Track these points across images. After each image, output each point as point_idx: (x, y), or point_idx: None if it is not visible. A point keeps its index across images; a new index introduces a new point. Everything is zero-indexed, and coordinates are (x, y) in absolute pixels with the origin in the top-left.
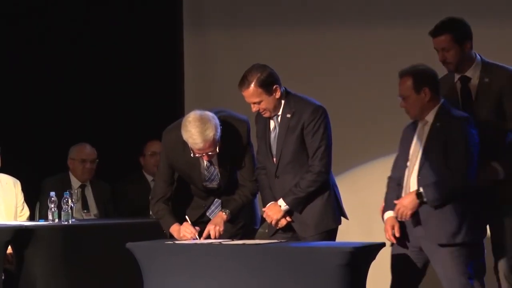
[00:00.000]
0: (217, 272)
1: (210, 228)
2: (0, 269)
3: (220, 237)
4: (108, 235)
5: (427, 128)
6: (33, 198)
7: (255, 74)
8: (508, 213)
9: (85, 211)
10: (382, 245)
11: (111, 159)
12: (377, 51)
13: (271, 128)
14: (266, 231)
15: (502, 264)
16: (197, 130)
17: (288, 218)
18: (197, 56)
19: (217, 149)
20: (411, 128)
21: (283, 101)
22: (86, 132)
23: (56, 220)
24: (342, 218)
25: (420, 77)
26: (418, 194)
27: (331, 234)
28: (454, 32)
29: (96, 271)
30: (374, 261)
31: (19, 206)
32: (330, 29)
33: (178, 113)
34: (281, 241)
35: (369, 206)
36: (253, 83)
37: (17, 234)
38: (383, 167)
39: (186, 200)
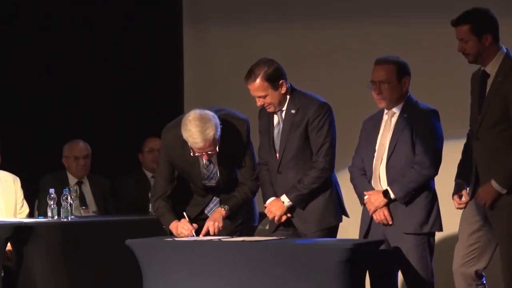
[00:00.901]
0: (217, 269)
1: (209, 224)
2: None
3: (219, 234)
4: (108, 232)
5: (394, 119)
6: (33, 195)
7: (262, 68)
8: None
9: (84, 207)
10: (381, 242)
11: (111, 156)
12: (377, 49)
13: (275, 124)
14: (267, 227)
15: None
16: (197, 129)
17: (288, 214)
18: (197, 53)
19: (217, 149)
20: (374, 121)
21: (288, 97)
22: (86, 130)
23: (56, 217)
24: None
25: (403, 67)
26: (385, 192)
27: (332, 231)
28: (473, 23)
29: (95, 267)
30: None
31: (19, 203)
32: (330, 26)
33: (177, 111)
34: (280, 238)
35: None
36: (260, 76)
37: (16, 231)
38: None
39: (185, 197)
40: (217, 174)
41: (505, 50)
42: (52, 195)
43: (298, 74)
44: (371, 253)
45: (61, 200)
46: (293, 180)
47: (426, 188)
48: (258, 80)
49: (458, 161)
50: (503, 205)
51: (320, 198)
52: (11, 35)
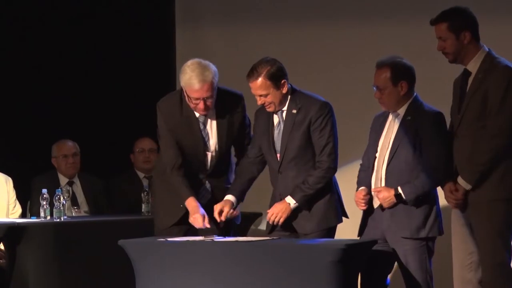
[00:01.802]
0: (210, 269)
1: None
2: None
3: (211, 233)
4: (101, 232)
5: (398, 121)
6: (25, 196)
7: (265, 66)
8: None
9: (75, 208)
10: (374, 242)
11: (103, 157)
12: (378, 48)
13: (275, 124)
14: (259, 228)
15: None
16: (195, 72)
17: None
18: (189, 53)
19: (214, 97)
20: (382, 118)
21: (289, 97)
22: (78, 130)
23: (48, 217)
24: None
25: (399, 70)
26: (397, 196)
27: (332, 231)
28: (450, 21)
29: (88, 268)
30: None
31: (11, 203)
32: (327, 25)
33: None
34: (273, 238)
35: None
36: (263, 75)
37: (9, 231)
38: None
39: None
40: (213, 143)
41: (487, 49)
42: (45, 195)
43: (293, 73)
44: (364, 253)
45: (54, 200)
46: (294, 179)
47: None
48: (260, 79)
49: None
50: (481, 202)
51: (322, 199)
52: None
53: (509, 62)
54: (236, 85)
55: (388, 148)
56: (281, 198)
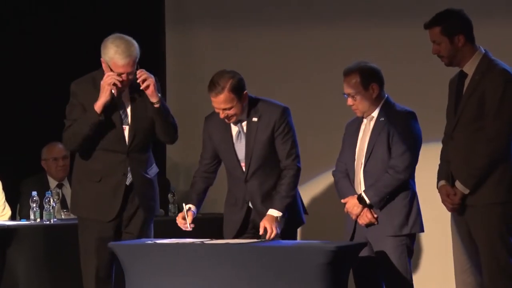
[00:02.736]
0: (200, 271)
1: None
2: None
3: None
4: None
5: (372, 123)
6: (14, 199)
7: (227, 79)
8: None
9: (65, 210)
10: (364, 244)
11: None
12: (364, 50)
13: (234, 134)
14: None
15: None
16: (121, 47)
17: None
18: (179, 55)
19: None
20: (356, 124)
21: (247, 106)
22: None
23: (38, 220)
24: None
25: (367, 74)
26: (360, 198)
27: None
28: (443, 25)
29: (78, 270)
30: None
31: (0, 206)
32: (318, 27)
33: None
34: (262, 240)
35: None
36: (226, 88)
37: None
38: None
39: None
40: (130, 114)
41: (484, 50)
42: (34, 198)
43: (283, 75)
44: (354, 255)
45: (44, 202)
46: (261, 186)
47: (405, 189)
48: (225, 92)
49: (439, 163)
50: (478, 205)
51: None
52: None
53: (506, 65)
54: None
55: (364, 150)
56: (247, 204)
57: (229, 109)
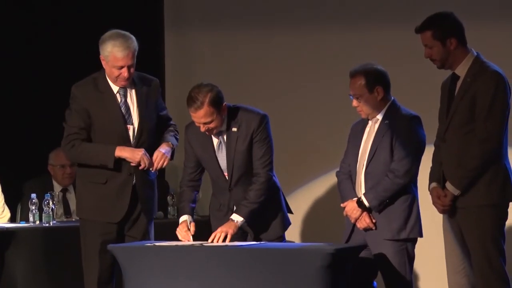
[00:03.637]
0: (199, 274)
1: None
2: None
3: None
4: None
5: (376, 126)
6: (15, 201)
7: (206, 93)
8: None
9: (68, 216)
10: (363, 247)
11: None
12: (365, 54)
13: (215, 145)
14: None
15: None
16: (118, 40)
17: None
18: (178, 58)
19: (134, 66)
20: (361, 125)
21: (226, 117)
22: None
23: (37, 222)
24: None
25: (372, 76)
26: (359, 202)
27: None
28: (435, 28)
29: (77, 273)
30: None
31: (0, 207)
32: (314, 31)
33: None
34: (261, 242)
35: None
36: (206, 103)
37: None
38: None
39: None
40: (135, 114)
41: (475, 53)
42: (34, 200)
43: (280, 78)
44: (353, 258)
45: (43, 205)
46: (244, 193)
47: (405, 193)
48: (205, 107)
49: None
50: (468, 207)
51: (267, 209)
52: None
53: (498, 67)
54: (225, 89)
55: (367, 152)
56: (231, 211)
57: (210, 122)
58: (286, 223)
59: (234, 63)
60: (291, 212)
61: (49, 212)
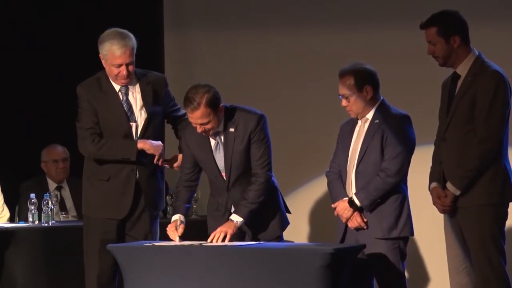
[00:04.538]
0: (198, 273)
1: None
2: None
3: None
4: None
5: (366, 125)
6: (12, 201)
7: (203, 94)
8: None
9: (64, 213)
10: (363, 246)
11: None
12: (361, 54)
13: (213, 145)
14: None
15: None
16: (116, 38)
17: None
18: (178, 58)
19: (134, 64)
20: (350, 125)
21: (223, 117)
22: (65, 135)
23: (36, 222)
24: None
25: (362, 76)
26: (350, 201)
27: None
28: (440, 25)
29: (76, 272)
30: None
31: None
32: (314, 31)
33: None
34: (260, 242)
35: None
36: (203, 104)
37: None
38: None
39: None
40: (138, 112)
41: (477, 52)
42: (33, 200)
43: (280, 79)
44: (352, 258)
45: (42, 205)
46: (243, 194)
47: (396, 192)
48: (201, 108)
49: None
50: (469, 207)
51: (265, 209)
52: None
53: (498, 67)
54: (225, 90)
55: (357, 152)
56: (229, 212)
57: (206, 123)
58: (285, 223)
59: (234, 63)
60: (289, 212)
61: (48, 212)
